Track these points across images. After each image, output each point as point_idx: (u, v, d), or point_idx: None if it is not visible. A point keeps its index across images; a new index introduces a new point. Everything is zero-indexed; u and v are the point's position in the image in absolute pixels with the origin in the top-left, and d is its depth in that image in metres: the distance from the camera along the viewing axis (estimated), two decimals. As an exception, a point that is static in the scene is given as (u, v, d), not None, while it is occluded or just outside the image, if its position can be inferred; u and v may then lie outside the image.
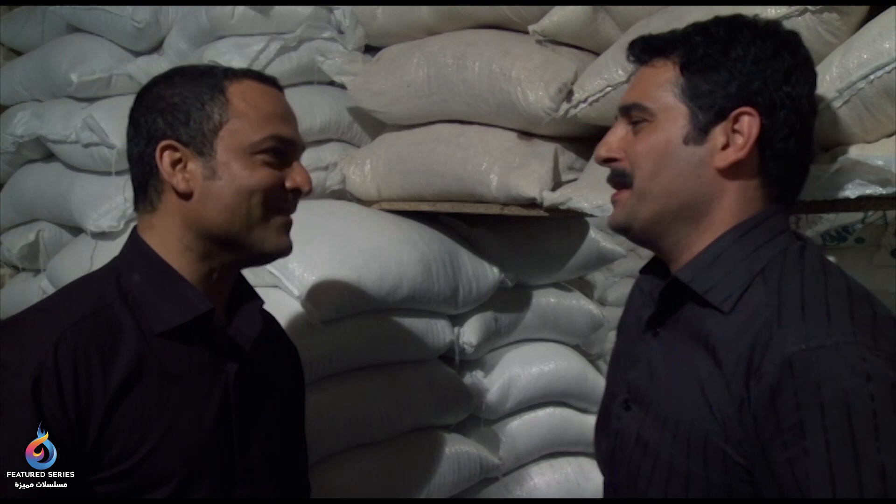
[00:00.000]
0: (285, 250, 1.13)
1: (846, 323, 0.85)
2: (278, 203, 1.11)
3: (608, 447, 1.09)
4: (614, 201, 1.06)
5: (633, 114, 1.01)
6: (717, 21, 0.99)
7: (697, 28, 0.99)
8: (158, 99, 1.09)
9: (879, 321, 0.87)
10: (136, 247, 1.10)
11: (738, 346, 0.90)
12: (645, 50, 1.03)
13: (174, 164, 1.07)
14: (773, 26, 0.99)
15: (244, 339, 1.12)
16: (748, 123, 0.94)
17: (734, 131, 0.95)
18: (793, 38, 0.99)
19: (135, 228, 1.12)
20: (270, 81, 1.14)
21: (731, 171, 0.96)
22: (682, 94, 0.97)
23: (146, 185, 1.10)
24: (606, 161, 1.05)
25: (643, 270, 1.14)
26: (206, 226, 1.07)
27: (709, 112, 0.96)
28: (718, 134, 0.96)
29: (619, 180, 1.04)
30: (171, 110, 1.07)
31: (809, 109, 0.99)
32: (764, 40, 0.96)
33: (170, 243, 1.08)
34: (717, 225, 0.98)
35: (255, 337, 1.12)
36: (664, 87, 0.99)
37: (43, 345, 0.98)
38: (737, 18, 0.99)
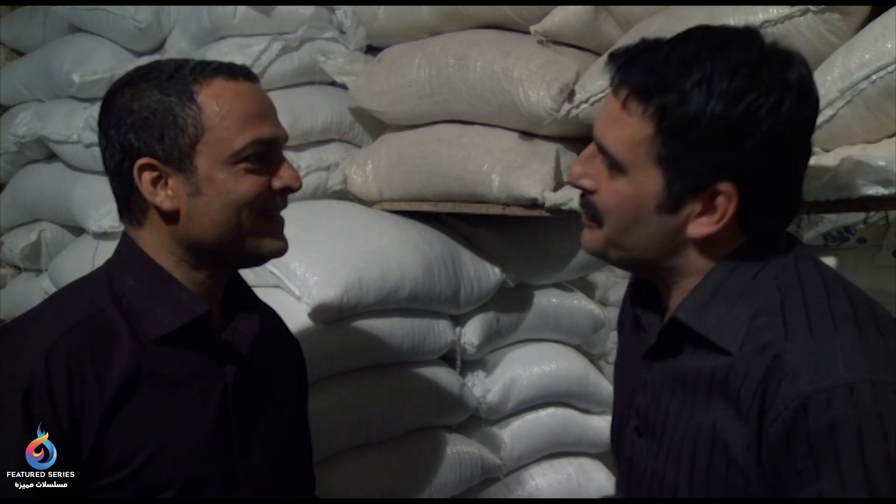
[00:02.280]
0: (280, 251, 1.11)
1: (858, 357, 0.82)
2: (268, 208, 1.07)
3: (623, 471, 1.07)
4: (586, 226, 0.99)
5: (607, 157, 0.93)
6: (706, 58, 0.85)
7: (682, 68, 0.85)
8: (126, 112, 1.02)
9: (890, 344, 0.84)
10: (128, 250, 1.08)
11: (749, 381, 0.86)
12: (622, 83, 0.91)
13: (154, 182, 1.02)
14: (778, 58, 0.86)
15: (242, 340, 1.10)
16: (724, 202, 0.87)
17: (711, 200, 0.88)
18: (794, 76, 0.85)
19: (126, 231, 1.10)
20: (242, 74, 1.06)
21: (706, 238, 0.90)
22: (657, 158, 0.88)
23: (129, 201, 1.06)
24: (579, 187, 0.98)
25: (633, 284, 1.09)
26: (196, 241, 1.05)
27: (684, 185, 0.88)
28: (693, 202, 0.89)
29: (592, 214, 0.96)
30: (143, 126, 1.01)
31: (803, 158, 0.91)
32: (759, 95, 0.83)
33: (161, 254, 1.06)
34: (701, 267, 0.93)
35: (253, 338, 1.11)
36: (639, 143, 0.89)
37: (34, 355, 0.96)
38: (731, 51, 0.85)
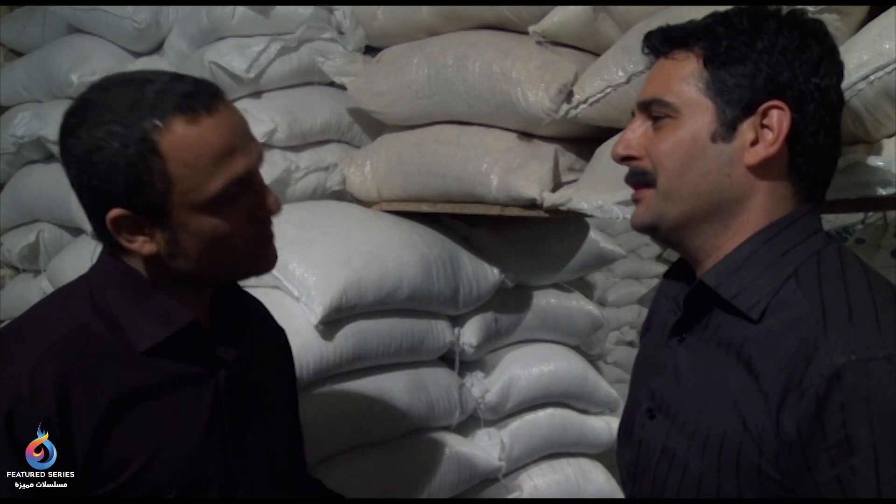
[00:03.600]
0: (271, 266, 1.08)
1: None
2: (254, 236, 1.03)
3: (631, 457, 1.05)
4: (636, 199, 1.00)
5: (655, 109, 0.96)
6: (740, 11, 0.94)
7: (719, 18, 0.94)
8: (86, 162, 0.94)
9: None
10: (108, 261, 1.05)
11: (777, 355, 0.86)
12: (664, 41, 0.97)
13: (130, 230, 0.97)
14: (799, 15, 0.94)
15: (231, 345, 1.08)
16: (778, 117, 0.90)
17: (763, 126, 0.91)
18: (819, 28, 0.94)
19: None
20: (205, 105, 0.96)
21: (762, 169, 0.92)
22: (707, 89, 0.92)
23: (106, 235, 1.00)
24: (625, 159, 1.00)
25: (667, 274, 1.10)
26: (180, 273, 1.02)
27: (736, 107, 0.91)
28: (747, 129, 0.91)
29: (640, 180, 0.98)
30: (106, 178, 0.93)
31: (838, 101, 0.95)
32: (790, 30, 0.91)
33: (142, 269, 1.03)
34: (747, 226, 0.94)
35: (240, 342, 1.09)
36: (687, 81, 0.93)
37: (17, 374, 0.93)
38: (760, 8, 0.94)
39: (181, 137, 0.94)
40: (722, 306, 0.94)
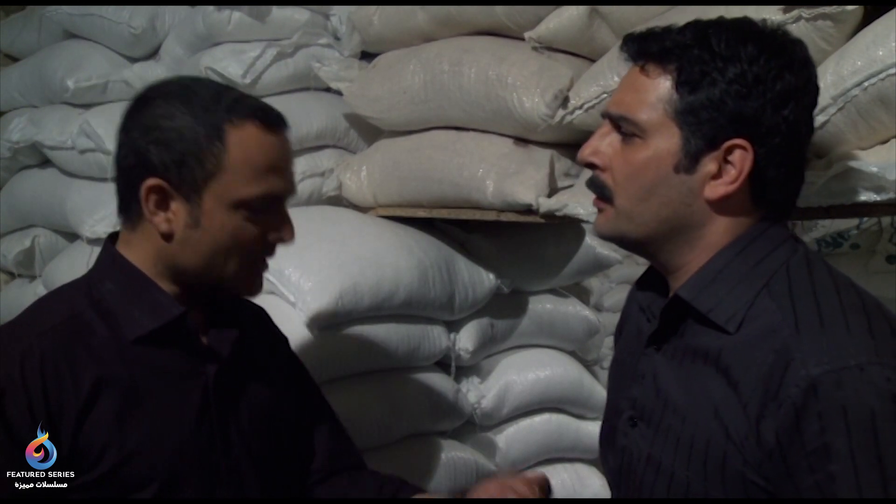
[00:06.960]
0: (253, 295, 1.14)
1: (867, 341, 0.83)
2: (257, 255, 1.10)
3: (615, 464, 1.06)
4: (598, 208, 1.01)
5: (624, 126, 0.96)
6: (720, 29, 0.92)
7: (697, 35, 0.92)
8: (154, 125, 1.03)
9: None
10: (108, 256, 1.10)
11: (753, 366, 0.87)
12: (640, 53, 0.97)
13: (158, 203, 1.03)
14: (780, 37, 0.93)
15: (223, 341, 1.11)
16: (740, 157, 0.90)
17: (726, 161, 0.91)
18: (799, 53, 0.93)
19: (108, 239, 1.12)
20: (276, 123, 1.08)
21: (723, 201, 0.93)
22: (676, 114, 0.92)
23: (129, 204, 1.07)
24: (590, 165, 1.01)
25: (639, 282, 1.11)
26: (180, 266, 1.06)
27: (701, 139, 0.91)
28: (709, 162, 0.91)
29: (600, 193, 0.99)
30: (166, 144, 1.02)
31: (807, 132, 0.95)
32: (769, 58, 0.89)
33: (144, 262, 1.08)
34: (714, 243, 0.95)
35: (234, 338, 1.12)
36: (657, 102, 0.93)
37: (9, 358, 0.99)
38: (742, 26, 0.93)
39: (248, 138, 1.04)
40: (697, 318, 0.95)
